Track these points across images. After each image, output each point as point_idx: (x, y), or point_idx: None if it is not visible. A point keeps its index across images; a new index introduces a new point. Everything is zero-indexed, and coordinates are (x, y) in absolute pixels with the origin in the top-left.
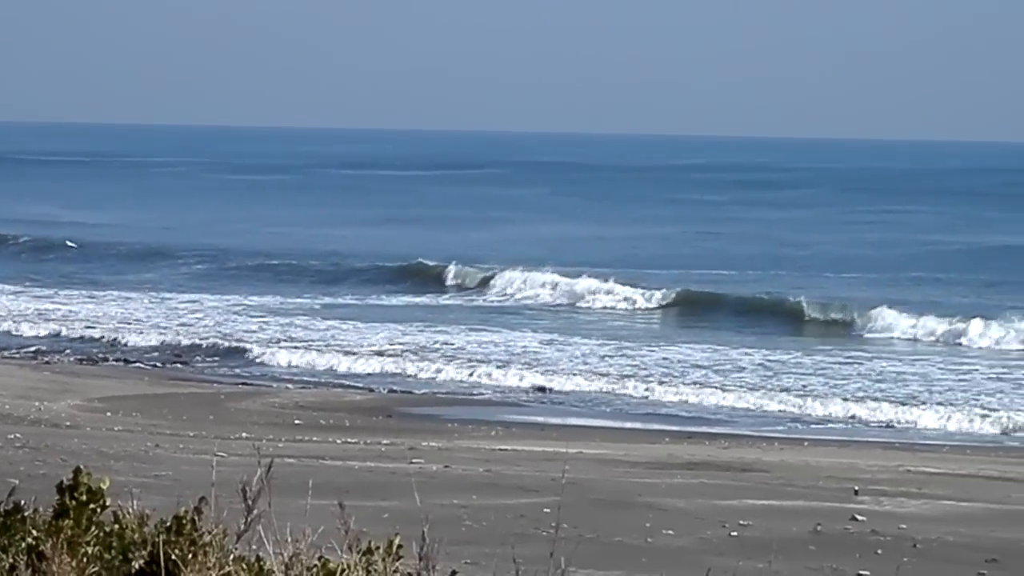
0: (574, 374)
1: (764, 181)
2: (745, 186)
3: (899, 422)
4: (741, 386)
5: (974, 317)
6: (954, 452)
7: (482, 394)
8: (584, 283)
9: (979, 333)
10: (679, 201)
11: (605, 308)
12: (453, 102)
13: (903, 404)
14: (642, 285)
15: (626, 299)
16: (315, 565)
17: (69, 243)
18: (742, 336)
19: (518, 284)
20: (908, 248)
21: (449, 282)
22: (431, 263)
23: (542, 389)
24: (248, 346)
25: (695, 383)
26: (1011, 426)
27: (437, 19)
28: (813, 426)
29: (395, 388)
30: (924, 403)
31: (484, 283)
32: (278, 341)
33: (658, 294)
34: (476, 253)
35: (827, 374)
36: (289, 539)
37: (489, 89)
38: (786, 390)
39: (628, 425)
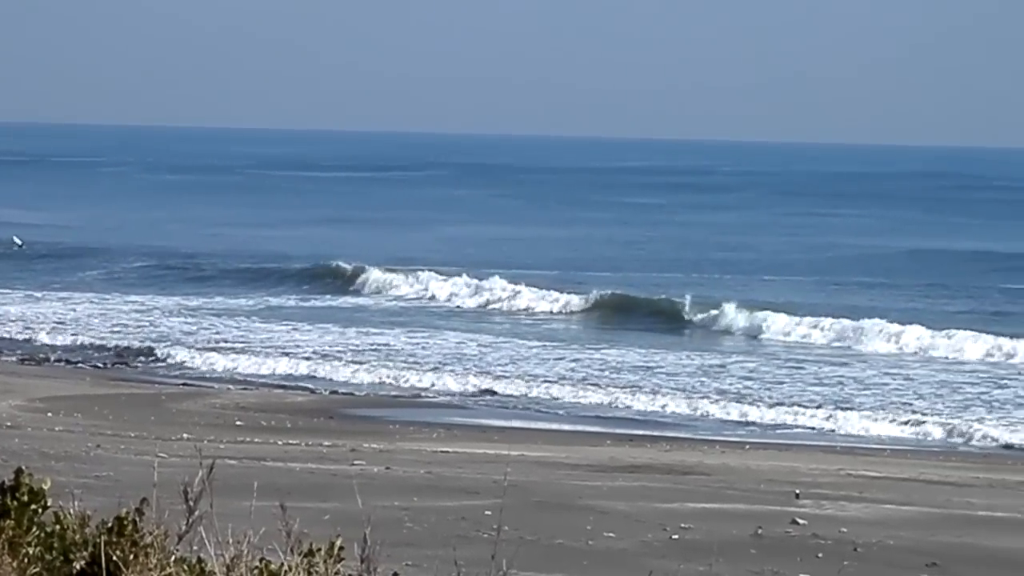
0: (516, 376)
1: (705, 184)
2: (686, 189)
3: (838, 427)
4: (679, 389)
5: (869, 319)
6: (895, 456)
7: (423, 396)
8: (499, 284)
9: (877, 335)
10: (618, 204)
11: (528, 311)
12: (405, 104)
13: (842, 408)
14: (569, 288)
15: (552, 301)
16: (257, 567)
17: (16, 240)
18: (672, 339)
19: (434, 286)
20: (836, 251)
21: (366, 284)
22: (348, 264)
23: (490, 392)
24: (167, 349)
25: (632, 386)
26: (952, 431)
27: (391, 18)
28: (752, 429)
29: (336, 390)
30: (861, 407)
31: (393, 285)
32: (208, 342)
33: (576, 299)
34: (405, 254)
35: (762, 378)
36: (231, 540)
37: (441, 90)
38: (723, 393)
39: (570, 428)
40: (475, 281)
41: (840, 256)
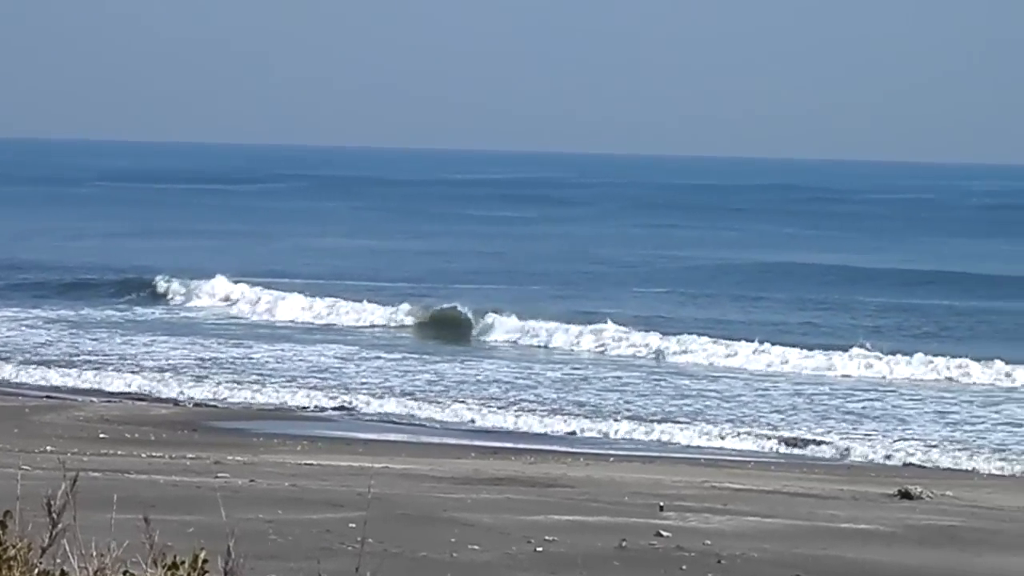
0: (374, 392)
1: (558, 197)
2: (541, 201)
3: (703, 443)
4: (539, 402)
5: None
6: (758, 468)
7: (279, 409)
8: (331, 301)
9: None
10: (477, 217)
11: (357, 326)
12: (268, 116)
13: (706, 422)
14: (390, 300)
15: (373, 314)
16: None
17: None
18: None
19: (264, 300)
20: (691, 263)
21: (194, 295)
22: (172, 279)
23: (345, 408)
24: None
25: (491, 398)
26: (800, 442)
27: (253, 29)
28: (612, 440)
29: (200, 402)
30: (720, 420)
31: (219, 297)
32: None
33: (402, 311)
34: (248, 267)
35: (623, 392)
36: (94, 553)
37: (305, 102)
38: (582, 405)
39: (434, 440)
40: (311, 299)
41: (686, 267)
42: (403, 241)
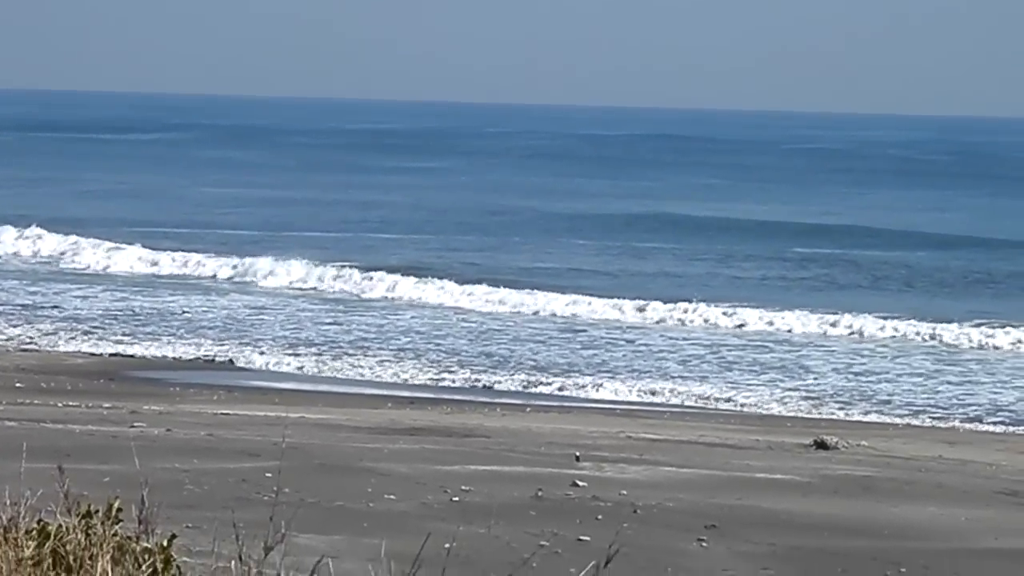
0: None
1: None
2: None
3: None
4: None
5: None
6: (674, 419)
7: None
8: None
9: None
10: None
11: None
12: (160, 65)
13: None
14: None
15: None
16: (34, 528)
17: None
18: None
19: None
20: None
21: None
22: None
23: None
24: None
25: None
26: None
27: None
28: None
29: (118, 352)
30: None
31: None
32: None
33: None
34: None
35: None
36: (7, 502)
37: (193, 51)
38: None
39: (350, 390)
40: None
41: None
42: (288, 191)
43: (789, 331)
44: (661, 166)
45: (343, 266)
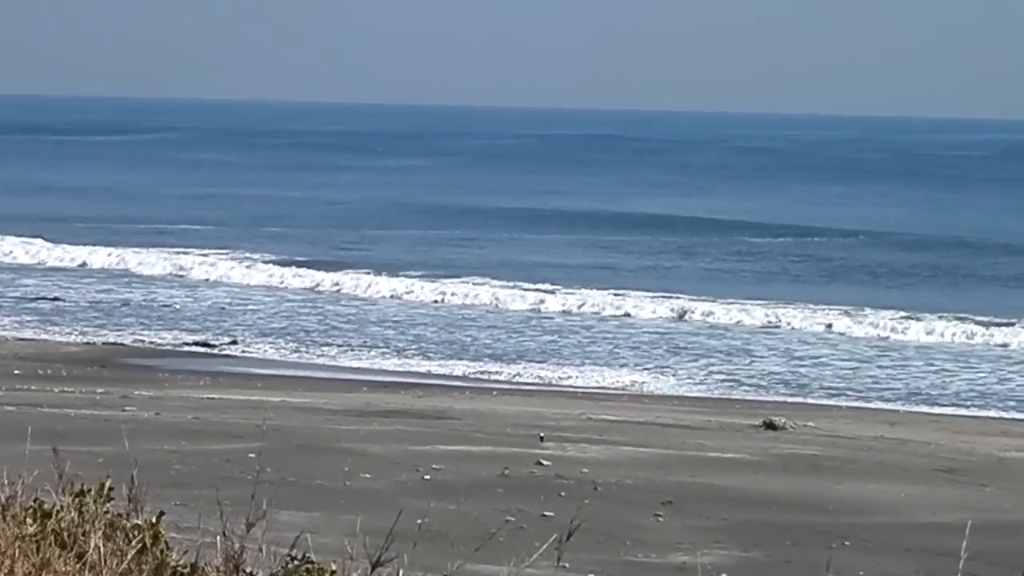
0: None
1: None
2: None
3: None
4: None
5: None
6: (632, 401)
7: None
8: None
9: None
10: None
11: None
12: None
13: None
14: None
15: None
16: (31, 506)
17: None
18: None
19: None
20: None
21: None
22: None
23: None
24: None
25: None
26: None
27: None
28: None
29: (111, 340)
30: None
31: None
32: None
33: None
34: None
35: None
36: (6, 482)
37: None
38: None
39: (328, 376)
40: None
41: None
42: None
43: (738, 322)
44: (608, 165)
45: (304, 262)
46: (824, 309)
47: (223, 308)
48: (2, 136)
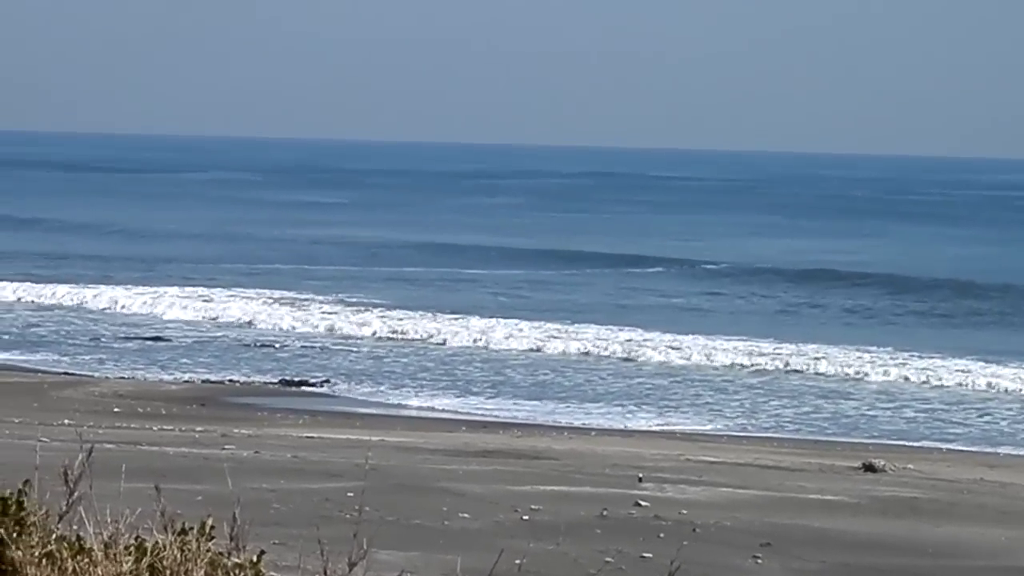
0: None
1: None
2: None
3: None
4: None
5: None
6: (732, 442)
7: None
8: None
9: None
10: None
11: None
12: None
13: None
14: None
15: None
16: (133, 544)
17: None
18: None
19: None
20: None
21: None
22: None
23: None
24: None
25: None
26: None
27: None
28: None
29: (210, 379)
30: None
31: None
32: None
33: None
34: None
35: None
36: (108, 520)
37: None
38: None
39: (427, 415)
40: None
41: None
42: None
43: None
44: (690, 206)
45: (398, 304)
46: (918, 354)
47: (322, 348)
48: (73, 174)
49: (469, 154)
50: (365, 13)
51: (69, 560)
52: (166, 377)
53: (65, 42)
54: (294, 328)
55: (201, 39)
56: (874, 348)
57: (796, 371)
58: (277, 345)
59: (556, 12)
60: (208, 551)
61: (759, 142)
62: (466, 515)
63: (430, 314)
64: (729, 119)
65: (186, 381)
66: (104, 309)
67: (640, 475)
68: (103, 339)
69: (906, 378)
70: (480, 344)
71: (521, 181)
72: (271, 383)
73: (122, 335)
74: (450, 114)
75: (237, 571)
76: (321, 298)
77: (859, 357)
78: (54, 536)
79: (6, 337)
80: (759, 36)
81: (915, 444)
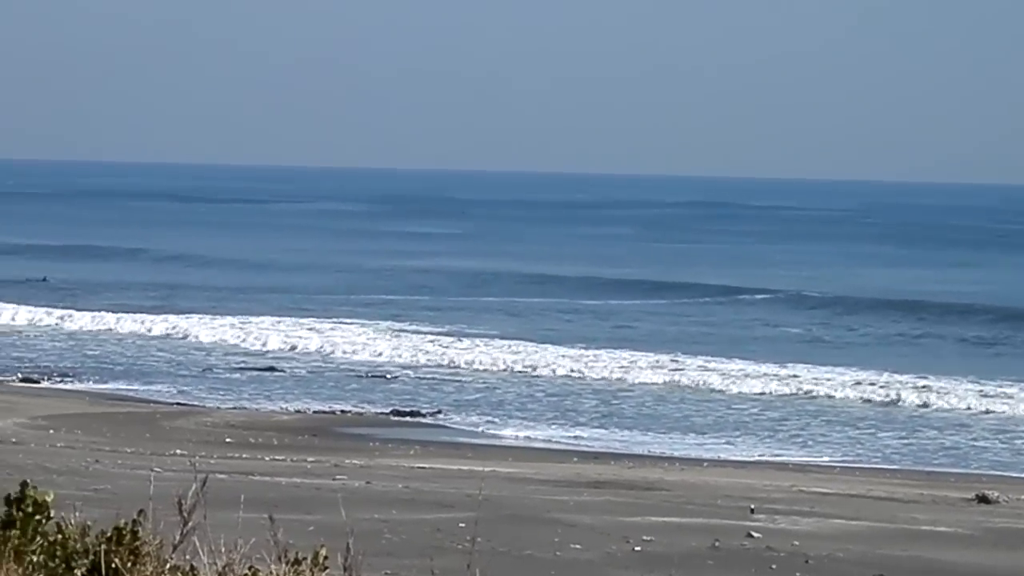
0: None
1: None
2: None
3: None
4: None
5: None
6: (844, 473)
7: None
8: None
9: None
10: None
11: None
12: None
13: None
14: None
15: None
16: (246, 574)
17: None
18: None
19: None
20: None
21: None
22: None
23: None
24: None
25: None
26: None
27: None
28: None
29: (322, 409)
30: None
31: None
32: None
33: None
34: None
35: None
36: (222, 550)
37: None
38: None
39: (539, 446)
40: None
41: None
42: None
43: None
44: (806, 237)
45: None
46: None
47: (433, 378)
48: (180, 204)
49: (571, 183)
50: (463, 48)
51: None
52: (277, 407)
53: (174, 76)
54: (405, 358)
55: (302, 74)
56: (985, 379)
57: (907, 402)
58: (388, 375)
59: (640, 36)
60: None
61: (859, 171)
62: (578, 546)
63: (540, 345)
64: (830, 148)
65: (297, 411)
66: (215, 339)
67: (752, 506)
68: (215, 369)
69: (1020, 410)
70: (589, 375)
71: (626, 211)
72: (382, 413)
73: (233, 365)
74: (551, 143)
75: None
76: (432, 329)
77: (969, 389)
78: (168, 566)
79: (118, 367)
80: (866, 65)
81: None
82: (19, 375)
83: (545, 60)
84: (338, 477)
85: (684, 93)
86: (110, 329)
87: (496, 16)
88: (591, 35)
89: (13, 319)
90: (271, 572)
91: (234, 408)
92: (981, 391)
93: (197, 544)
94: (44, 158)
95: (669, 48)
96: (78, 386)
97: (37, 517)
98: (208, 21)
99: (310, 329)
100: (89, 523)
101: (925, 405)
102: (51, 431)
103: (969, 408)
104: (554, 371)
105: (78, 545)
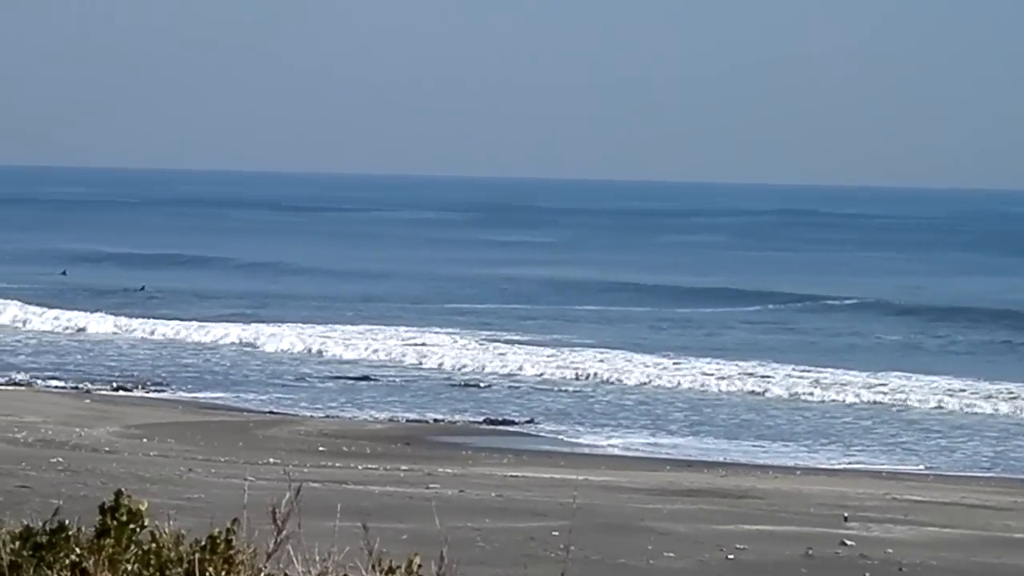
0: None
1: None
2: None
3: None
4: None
5: None
6: (937, 481)
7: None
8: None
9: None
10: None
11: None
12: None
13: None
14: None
15: None
16: None
17: None
18: None
19: None
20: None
21: None
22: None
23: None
24: None
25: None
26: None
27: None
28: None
29: (414, 418)
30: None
31: None
32: None
33: None
34: None
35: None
36: (316, 558)
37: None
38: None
39: (631, 454)
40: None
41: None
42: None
43: None
44: (897, 245)
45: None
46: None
47: (525, 387)
48: (276, 215)
49: (659, 191)
50: (554, 56)
51: None
52: (370, 416)
53: (238, 89)
54: (497, 367)
55: (392, 79)
56: None
57: (1000, 411)
58: (481, 384)
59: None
60: None
61: (948, 179)
62: (671, 554)
63: (632, 354)
64: (919, 155)
65: (390, 420)
66: (308, 348)
67: (845, 514)
68: (308, 378)
69: None
70: (680, 383)
71: (715, 219)
72: (475, 422)
73: (327, 374)
74: (638, 151)
75: None
76: (524, 337)
77: None
78: (262, 575)
79: (212, 376)
80: (957, 71)
81: None
82: (113, 384)
83: (618, 62)
84: (431, 486)
85: (771, 101)
86: (203, 339)
87: (567, 21)
88: (668, 35)
89: (108, 328)
90: None
91: (327, 417)
92: None
93: (291, 553)
94: (103, 165)
95: (749, 47)
96: (171, 395)
97: (131, 526)
98: (267, 37)
99: (403, 338)
100: (183, 532)
101: (1019, 413)
102: (144, 440)
103: None
104: (645, 380)
105: (172, 554)
